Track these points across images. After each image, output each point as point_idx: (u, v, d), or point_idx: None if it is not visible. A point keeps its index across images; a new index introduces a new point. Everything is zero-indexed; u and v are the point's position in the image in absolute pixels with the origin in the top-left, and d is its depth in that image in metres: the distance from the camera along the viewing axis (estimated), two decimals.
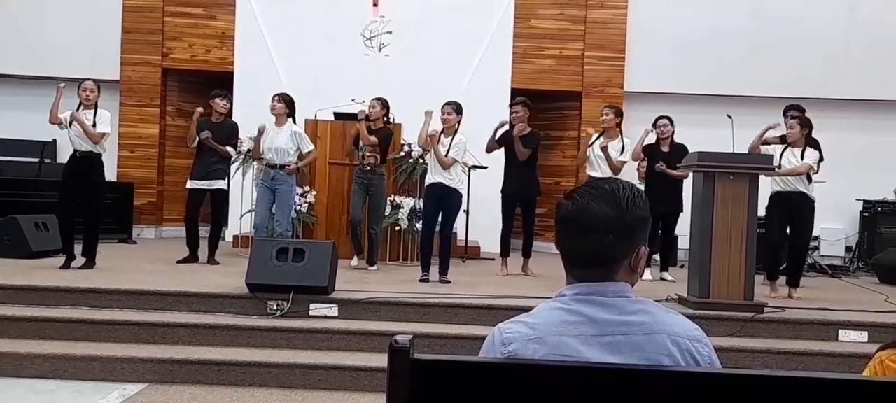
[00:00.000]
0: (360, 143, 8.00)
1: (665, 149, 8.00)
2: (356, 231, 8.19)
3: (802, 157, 6.94)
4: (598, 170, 7.79)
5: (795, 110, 7.52)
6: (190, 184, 7.97)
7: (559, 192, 10.93)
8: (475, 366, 1.42)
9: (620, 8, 11.15)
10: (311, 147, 7.96)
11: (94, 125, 7.08)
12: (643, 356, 1.56)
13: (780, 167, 6.87)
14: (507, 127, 7.92)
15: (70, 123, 7.08)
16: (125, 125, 11.11)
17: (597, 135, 7.98)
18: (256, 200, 8.01)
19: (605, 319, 1.59)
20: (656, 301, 1.70)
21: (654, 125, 8.11)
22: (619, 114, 8.04)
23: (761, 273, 7.08)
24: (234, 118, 8.70)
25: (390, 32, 10.91)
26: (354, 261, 8.17)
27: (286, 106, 7.81)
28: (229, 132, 8.03)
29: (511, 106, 8.04)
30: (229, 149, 7.96)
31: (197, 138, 7.83)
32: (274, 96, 7.90)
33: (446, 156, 7.29)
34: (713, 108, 9.92)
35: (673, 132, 8.08)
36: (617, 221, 1.61)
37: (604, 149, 7.79)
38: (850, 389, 1.35)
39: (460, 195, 7.52)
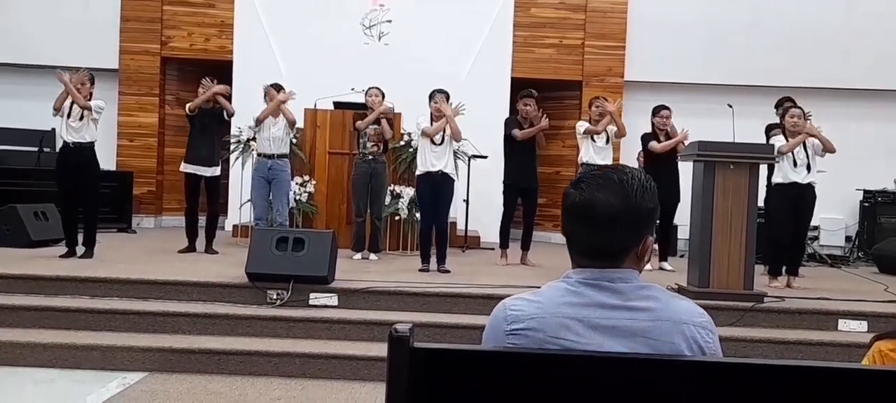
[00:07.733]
0: (363, 132, 8.00)
1: (661, 139, 8.00)
2: (362, 228, 8.16)
3: (806, 147, 6.99)
4: (596, 157, 7.84)
5: (791, 103, 7.56)
6: (183, 167, 7.97)
7: (559, 181, 10.92)
8: (475, 355, 1.42)
9: None
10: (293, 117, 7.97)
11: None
12: (647, 340, 1.55)
13: (795, 164, 6.94)
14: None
15: (67, 110, 7.07)
16: (124, 114, 11.11)
17: (595, 124, 7.98)
18: (252, 191, 8.00)
19: (610, 303, 1.58)
20: None
21: (656, 114, 8.08)
22: None
23: (760, 263, 7.08)
24: (233, 106, 8.68)
25: (390, 21, 10.87)
26: (358, 256, 8.11)
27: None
28: (220, 115, 8.02)
29: (524, 99, 7.96)
30: (230, 106, 7.98)
31: (200, 100, 7.81)
32: (268, 87, 7.97)
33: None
34: (713, 98, 9.91)
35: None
36: (625, 212, 1.58)
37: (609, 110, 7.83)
38: (850, 378, 1.34)
39: (454, 181, 7.55)
